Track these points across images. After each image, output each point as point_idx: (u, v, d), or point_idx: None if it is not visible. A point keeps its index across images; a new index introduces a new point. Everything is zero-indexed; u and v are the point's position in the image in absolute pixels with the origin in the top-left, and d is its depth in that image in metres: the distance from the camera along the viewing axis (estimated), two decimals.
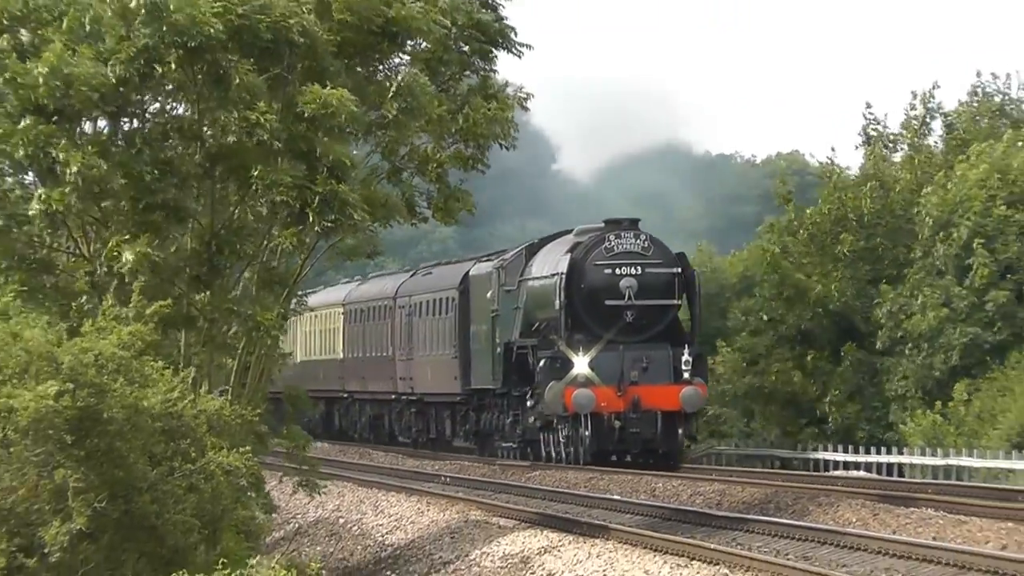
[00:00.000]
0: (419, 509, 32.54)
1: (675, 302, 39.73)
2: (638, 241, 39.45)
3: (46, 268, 28.28)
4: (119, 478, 20.70)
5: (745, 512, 28.16)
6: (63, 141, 25.84)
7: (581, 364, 37.85)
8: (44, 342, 21.56)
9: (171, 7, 24.05)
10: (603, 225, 41.05)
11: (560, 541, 24.26)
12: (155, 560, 19.83)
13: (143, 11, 24.34)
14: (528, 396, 41.42)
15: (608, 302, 38.09)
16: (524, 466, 44.73)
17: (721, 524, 26.84)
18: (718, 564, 20.21)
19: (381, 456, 52.40)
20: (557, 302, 38.80)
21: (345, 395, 61.79)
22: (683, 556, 21.51)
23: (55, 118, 25.75)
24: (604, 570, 21.09)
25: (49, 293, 26.81)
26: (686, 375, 38.05)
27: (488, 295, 45.01)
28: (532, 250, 43.68)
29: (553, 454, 40.77)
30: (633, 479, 36.84)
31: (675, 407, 38.29)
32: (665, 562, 20.74)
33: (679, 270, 39.64)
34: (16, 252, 27.70)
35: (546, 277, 40.31)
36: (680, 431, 39.69)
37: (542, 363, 39.27)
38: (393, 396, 55.89)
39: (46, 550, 19.82)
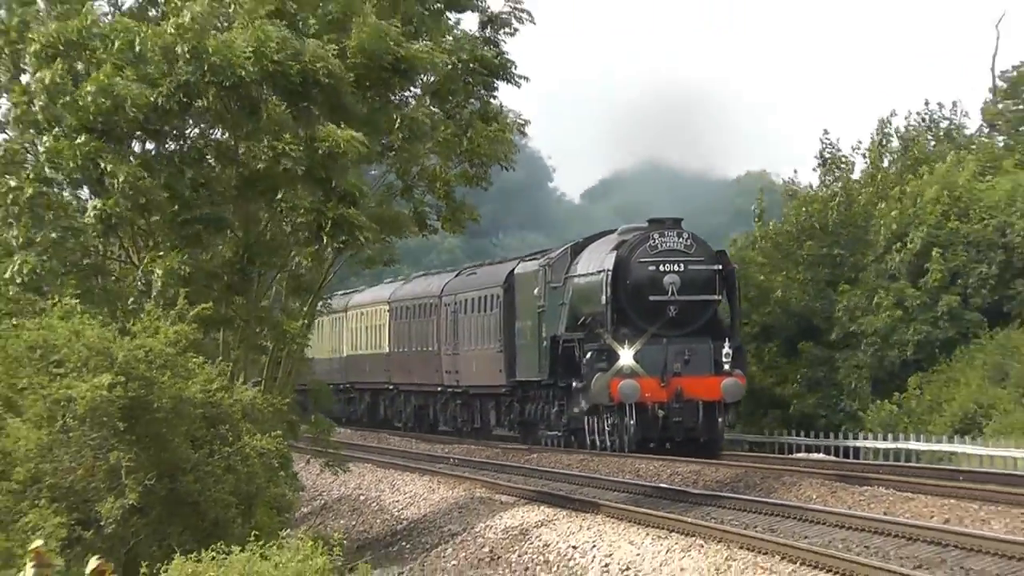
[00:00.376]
0: (431, 487, 32.35)
1: (716, 298, 38.11)
2: (681, 239, 37.75)
3: (97, 273, 28.29)
4: (166, 459, 21.02)
5: (718, 490, 27.95)
6: (110, 156, 26.13)
7: (626, 356, 36.48)
8: (101, 339, 21.75)
9: (210, 51, 24.62)
10: (647, 224, 39.62)
11: (555, 515, 24.04)
12: (197, 532, 19.58)
13: (186, 53, 24.77)
14: (574, 387, 39.59)
15: (652, 298, 36.62)
16: (523, 449, 44.14)
17: (696, 501, 26.64)
18: (693, 536, 19.99)
19: (396, 440, 51.72)
20: (603, 297, 36.83)
21: (391, 387, 60.46)
22: (663, 528, 21.37)
23: (103, 137, 26.11)
24: (594, 541, 20.74)
25: (100, 296, 26.67)
26: (726, 367, 36.74)
27: (534, 292, 43.08)
28: (577, 249, 41.88)
29: (598, 442, 39.09)
30: (619, 460, 36.48)
31: (716, 397, 37.05)
32: (647, 534, 20.47)
33: (720, 267, 38.02)
34: (70, 260, 27.63)
35: (592, 274, 38.71)
36: (720, 420, 38.31)
37: (589, 355, 37.48)
38: (439, 388, 54.61)
39: (101, 523, 19.94)
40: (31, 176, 27.14)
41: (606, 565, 19.29)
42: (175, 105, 25.72)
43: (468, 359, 49.02)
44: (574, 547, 20.93)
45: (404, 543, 26.85)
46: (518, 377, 43.56)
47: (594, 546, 20.84)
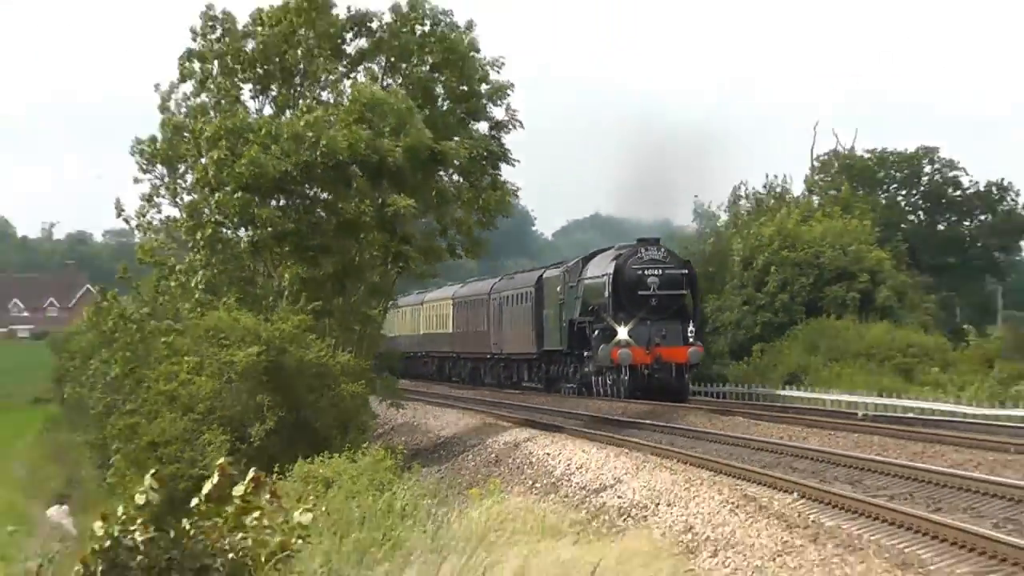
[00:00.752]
0: (459, 417, 32.09)
1: (683, 292, 36.26)
2: (659, 252, 36.31)
3: (249, 283, 28.55)
4: (292, 400, 21.47)
5: (639, 419, 27.54)
6: (258, 205, 26.79)
7: (622, 333, 35.05)
8: (252, 324, 22.08)
9: (323, 142, 25.28)
10: (636, 242, 37.90)
11: (536, 435, 23.72)
12: (311, 446, 19.53)
13: (309, 140, 25.62)
14: (586, 355, 38.14)
15: (640, 292, 34.85)
16: (516, 393, 43.46)
17: (625, 425, 26.12)
18: (622, 447, 19.81)
19: (451, 389, 49.84)
20: (606, 292, 35.52)
21: (453, 355, 58.43)
22: (602, 442, 21.51)
23: (253, 193, 26.66)
24: (559, 451, 20.28)
25: (251, 297, 26.66)
26: (691, 340, 35.26)
27: (557, 289, 40.99)
28: (586, 259, 40.09)
29: (602, 391, 37.11)
30: (576, 400, 36.57)
31: (684, 360, 35.61)
32: (594, 446, 20.19)
33: (687, 272, 36.55)
34: (233, 274, 28.24)
35: (598, 276, 37.35)
36: (686, 376, 36.77)
37: (596, 333, 36.04)
38: (488, 356, 52.74)
39: (251, 440, 20.59)
40: (209, 221, 27.35)
41: (568, 464, 18.96)
42: (298, 174, 26.03)
43: (509, 335, 47.63)
44: (548, 454, 20.46)
45: (441, 452, 26.44)
46: (545, 348, 41.97)
47: (560, 453, 20.13)
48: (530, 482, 18.80)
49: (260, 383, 21.18)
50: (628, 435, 24.30)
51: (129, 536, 6.65)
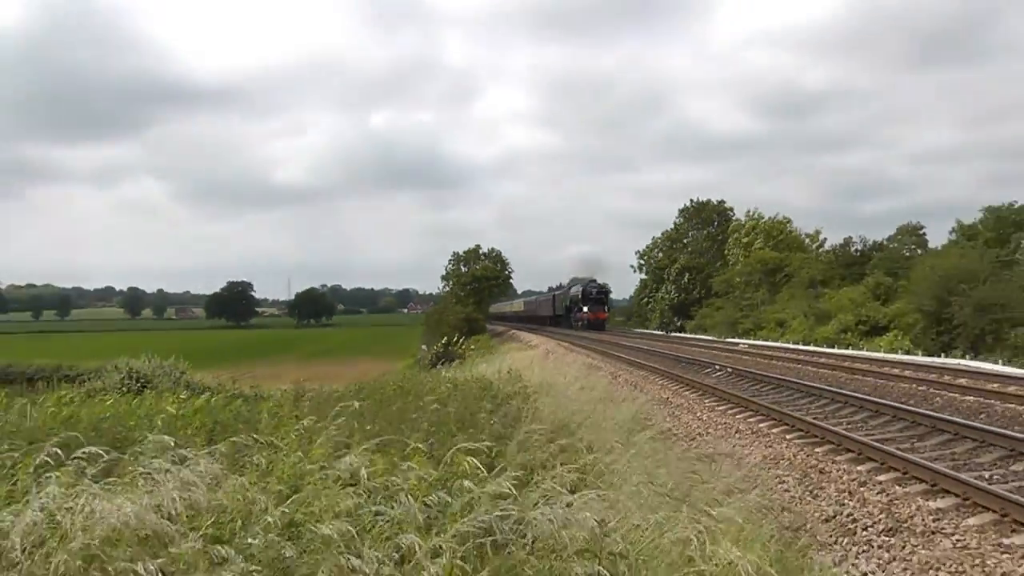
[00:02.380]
0: (507, 328, 70.90)
1: (604, 295, 65.39)
2: (596, 283, 65.70)
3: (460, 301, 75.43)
4: (472, 320, 63.13)
5: (588, 332, 61.29)
6: (469, 289, 75.20)
7: (584, 311, 63.97)
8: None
9: (476, 272, 68.87)
10: (589, 278, 67.80)
11: (548, 338, 59.84)
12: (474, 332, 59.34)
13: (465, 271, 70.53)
14: (572, 318, 66.45)
15: (588, 297, 64.46)
16: (540, 328, 72.12)
17: (585, 337, 58.55)
18: (578, 345, 43.21)
19: (534, 332, 68.81)
20: (578, 297, 65.38)
21: (524, 319, 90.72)
22: (571, 342, 47.07)
23: (469, 283, 70.41)
24: (540, 340, 55.98)
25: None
26: (607, 312, 64.30)
27: (557, 295, 74.71)
28: (569, 285, 73.84)
29: (575, 327, 64.04)
30: (566, 330, 62.66)
31: (604, 317, 64.21)
32: (568, 342, 46.92)
33: (608, 291, 65.80)
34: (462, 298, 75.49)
35: (572, 291, 68.65)
36: (605, 324, 64.02)
37: (573, 311, 66.09)
38: (536, 318, 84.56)
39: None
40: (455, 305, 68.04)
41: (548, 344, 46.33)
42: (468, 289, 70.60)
43: (538, 311, 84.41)
44: (530, 342, 56.14)
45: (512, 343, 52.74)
46: (556, 314, 74.84)
47: (540, 344, 45.07)
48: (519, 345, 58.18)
49: (467, 319, 62.92)
50: (581, 340, 43.96)
51: None
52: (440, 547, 4.45)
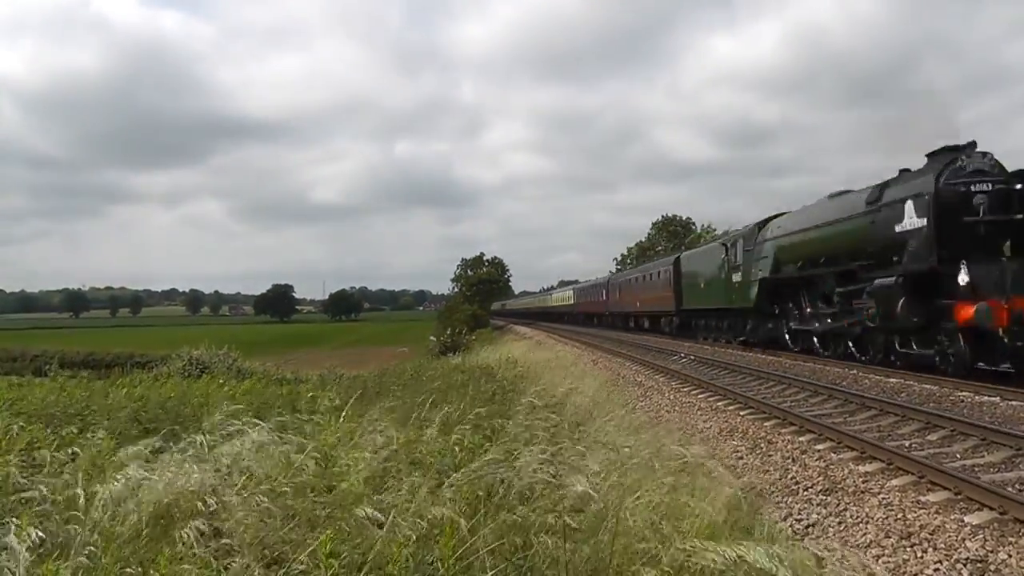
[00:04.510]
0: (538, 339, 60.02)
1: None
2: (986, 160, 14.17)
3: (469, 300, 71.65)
4: (477, 316, 62.60)
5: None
6: (475, 290, 67.35)
7: (963, 277, 13.38)
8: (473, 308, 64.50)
9: (481, 275, 67.05)
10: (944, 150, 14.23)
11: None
12: (480, 327, 58.95)
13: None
14: (788, 308, 20.55)
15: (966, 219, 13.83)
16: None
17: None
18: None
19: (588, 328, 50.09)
20: (913, 221, 14.30)
21: (575, 314, 60.02)
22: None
23: (475, 285, 68.52)
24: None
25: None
26: None
27: (721, 258, 25.00)
28: (761, 225, 22.70)
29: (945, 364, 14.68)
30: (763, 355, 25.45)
31: None
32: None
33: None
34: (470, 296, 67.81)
35: (902, 201, 14.71)
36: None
37: (894, 283, 14.48)
38: (599, 313, 50.73)
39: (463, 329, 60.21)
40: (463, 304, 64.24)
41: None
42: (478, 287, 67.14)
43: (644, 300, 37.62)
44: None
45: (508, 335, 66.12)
46: (684, 307, 30.07)
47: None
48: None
49: (474, 315, 62.52)
50: (567, 332, 44.26)
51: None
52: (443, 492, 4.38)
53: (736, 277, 23.82)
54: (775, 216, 22.58)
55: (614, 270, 67.68)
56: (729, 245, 25.00)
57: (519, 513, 4.12)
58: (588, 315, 54.72)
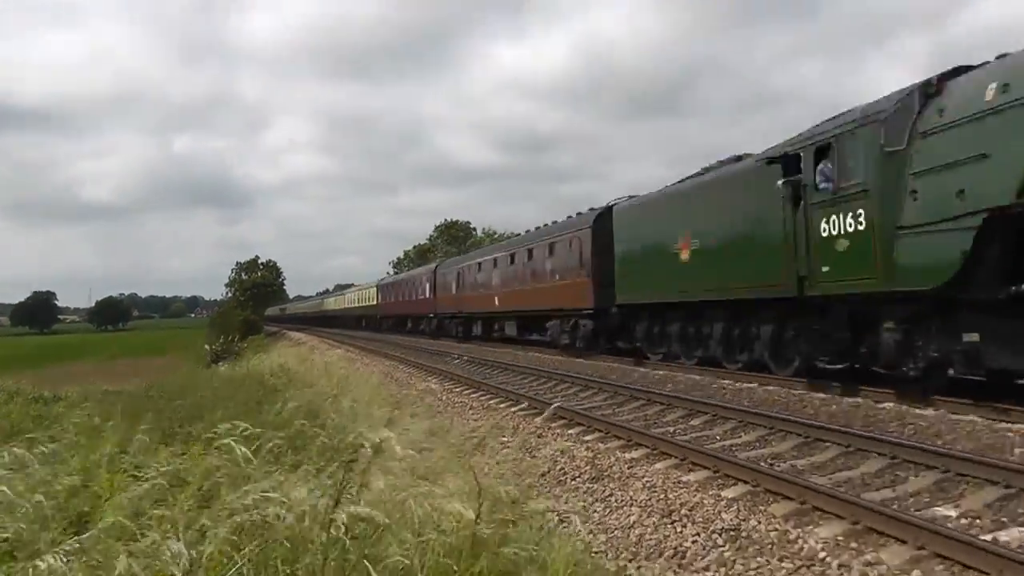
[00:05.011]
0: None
1: None
2: None
3: (243, 305, 67.43)
4: (250, 322, 59.40)
5: None
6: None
7: None
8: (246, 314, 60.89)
9: (255, 279, 63.58)
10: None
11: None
12: (252, 332, 56.98)
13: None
14: None
15: None
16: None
17: None
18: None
19: None
20: None
21: (373, 316, 52.27)
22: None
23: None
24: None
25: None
26: None
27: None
28: (944, 77, 8.59)
29: None
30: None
31: None
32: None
33: None
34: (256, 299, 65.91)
35: None
36: None
37: None
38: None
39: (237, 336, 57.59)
40: (236, 310, 64.36)
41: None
42: None
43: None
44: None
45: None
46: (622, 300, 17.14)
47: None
48: None
49: (246, 321, 59.71)
50: (341, 336, 54.85)
51: None
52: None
53: (837, 223, 9.88)
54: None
55: (391, 272, 66.65)
56: (804, 153, 10.54)
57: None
58: (401, 320, 40.82)
